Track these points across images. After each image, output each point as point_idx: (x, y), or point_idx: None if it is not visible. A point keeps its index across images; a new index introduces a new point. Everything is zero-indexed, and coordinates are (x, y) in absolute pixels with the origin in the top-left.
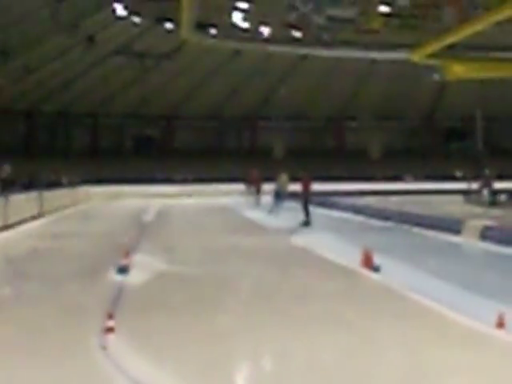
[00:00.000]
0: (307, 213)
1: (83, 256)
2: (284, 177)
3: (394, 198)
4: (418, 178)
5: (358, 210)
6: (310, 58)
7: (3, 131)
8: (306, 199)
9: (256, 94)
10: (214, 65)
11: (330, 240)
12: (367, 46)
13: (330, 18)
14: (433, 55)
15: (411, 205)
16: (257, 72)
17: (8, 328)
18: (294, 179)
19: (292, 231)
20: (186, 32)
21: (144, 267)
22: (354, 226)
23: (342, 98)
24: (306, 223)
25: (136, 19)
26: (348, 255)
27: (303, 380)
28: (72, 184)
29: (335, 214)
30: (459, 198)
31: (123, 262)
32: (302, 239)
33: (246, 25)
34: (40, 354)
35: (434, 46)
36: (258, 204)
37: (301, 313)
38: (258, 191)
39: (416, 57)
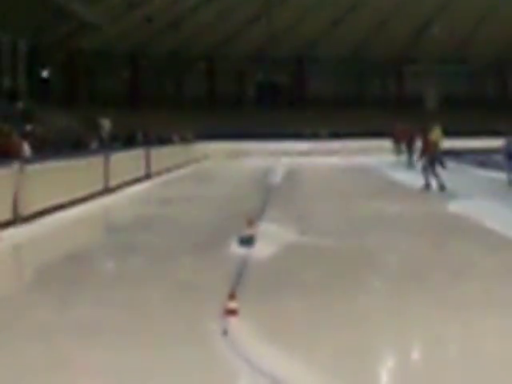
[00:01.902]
0: (435, 174)
1: (199, 225)
2: (437, 130)
3: None
4: None
5: None
6: None
7: (103, 78)
8: (433, 157)
9: (404, 32)
10: None
11: (495, 207)
12: None
13: None
14: None
15: None
16: (405, 5)
17: (113, 312)
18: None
19: (448, 196)
20: None
21: (271, 238)
22: None
23: (509, 35)
24: (442, 187)
25: None
26: None
27: (460, 375)
28: (184, 140)
29: (499, 175)
30: None
31: (247, 231)
32: (459, 206)
33: None
34: (151, 341)
35: None
36: (410, 164)
37: (457, 294)
38: (410, 149)
39: None
